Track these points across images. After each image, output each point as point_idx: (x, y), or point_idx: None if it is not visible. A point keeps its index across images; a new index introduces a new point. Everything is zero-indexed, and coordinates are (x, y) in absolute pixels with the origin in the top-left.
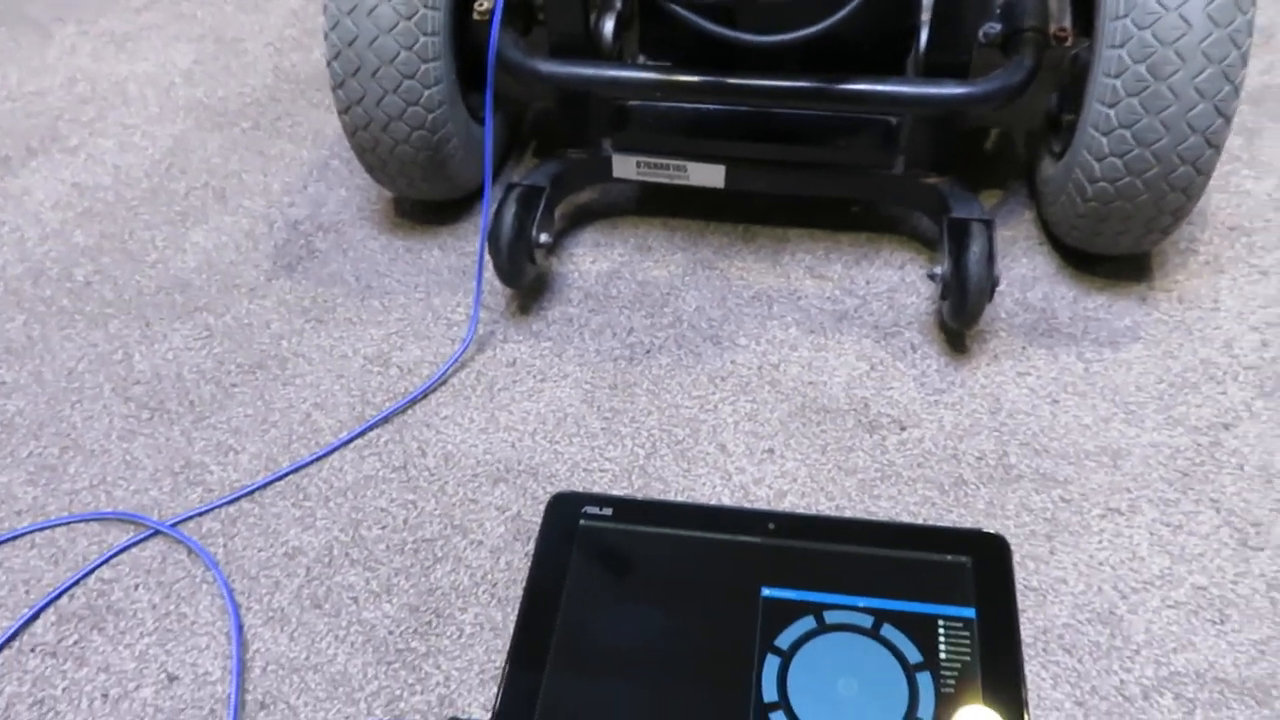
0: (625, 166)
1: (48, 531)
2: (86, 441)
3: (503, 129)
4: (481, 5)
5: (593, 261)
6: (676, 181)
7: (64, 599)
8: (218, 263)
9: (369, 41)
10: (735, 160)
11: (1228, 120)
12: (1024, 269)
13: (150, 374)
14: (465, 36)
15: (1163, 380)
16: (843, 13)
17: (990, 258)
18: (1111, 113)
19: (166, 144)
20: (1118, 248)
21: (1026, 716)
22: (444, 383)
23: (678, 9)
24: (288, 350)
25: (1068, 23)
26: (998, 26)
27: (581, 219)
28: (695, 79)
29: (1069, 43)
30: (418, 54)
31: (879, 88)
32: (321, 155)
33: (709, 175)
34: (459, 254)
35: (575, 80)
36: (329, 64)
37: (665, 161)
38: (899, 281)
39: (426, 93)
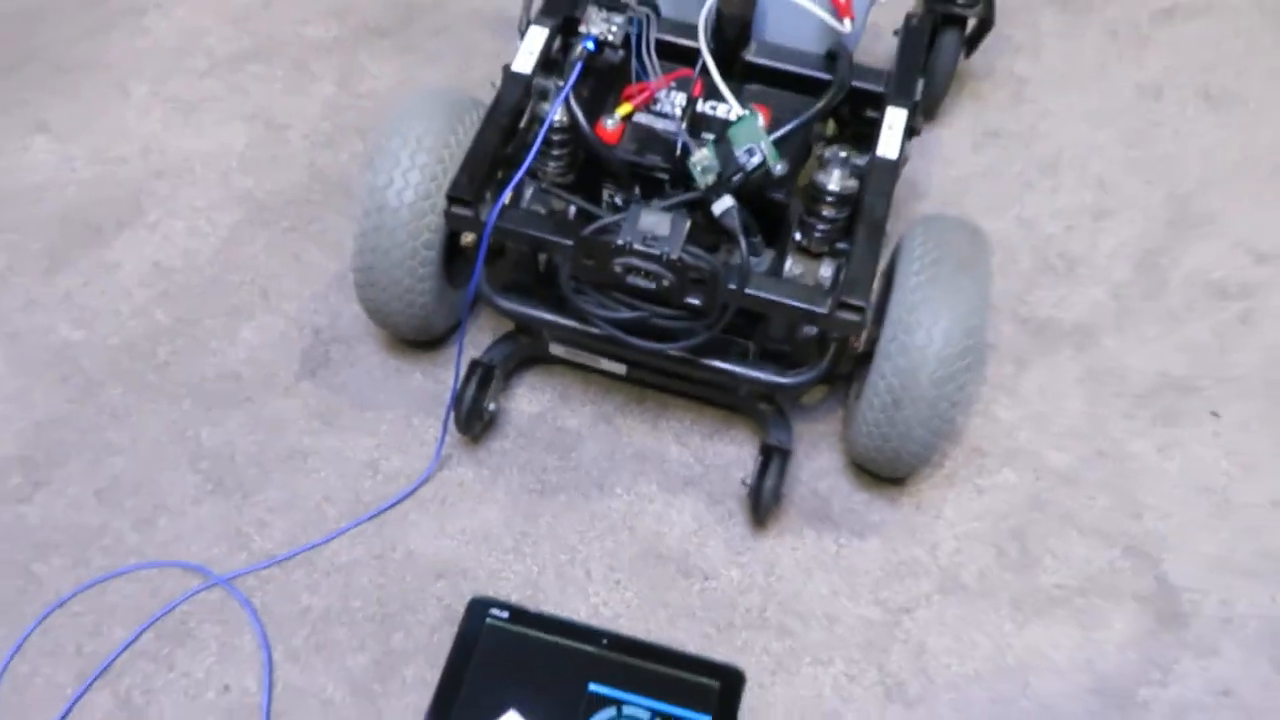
0: (559, 350)
1: (148, 570)
2: (170, 503)
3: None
4: (466, 239)
5: (528, 403)
6: (594, 365)
7: (160, 622)
8: (260, 359)
9: (387, 252)
10: (632, 363)
11: (947, 419)
12: (824, 461)
13: (213, 452)
14: (453, 247)
15: (883, 568)
16: (696, 340)
17: (778, 488)
18: (877, 400)
19: (224, 234)
20: (880, 472)
21: None
22: (413, 494)
23: (583, 306)
24: (308, 446)
25: (864, 336)
26: (814, 331)
27: (530, 360)
28: (603, 334)
29: (859, 347)
30: (419, 264)
31: (728, 368)
32: (341, 269)
33: (615, 367)
34: (435, 380)
35: (520, 316)
36: (356, 253)
37: (585, 356)
38: (735, 457)
39: (420, 285)
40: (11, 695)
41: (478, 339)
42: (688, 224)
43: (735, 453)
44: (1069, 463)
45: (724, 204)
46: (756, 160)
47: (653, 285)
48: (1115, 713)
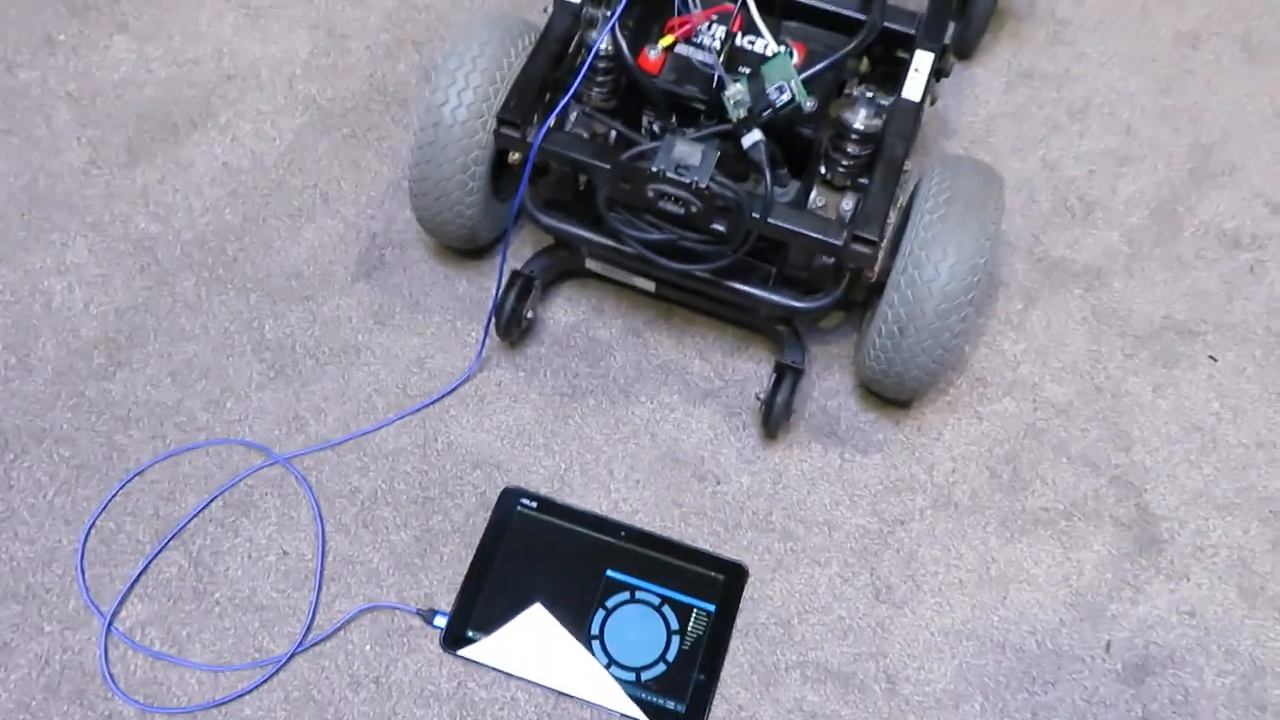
0: (594, 265)
1: (217, 446)
2: (236, 386)
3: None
4: (513, 157)
5: (564, 313)
6: (627, 281)
7: (227, 493)
8: (320, 259)
9: (440, 165)
10: (661, 281)
11: (948, 348)
12: (834, 381)
13: (275, 343)
14: (501, 163)
15: (882, 483)
16: (720, 263)
17: (788, 403)
18: (884, 328)
19: (289, 138)
20: (885, 394)
21: (721, 666)
22: (454, 391)
23: (618, 226)
24: (361, 342)
25: (878, 267)
26: (830, 261)
27: (567, 273)
28: (634, 253)
29: (873, 278)
30: (469, 178)
31: (749, 290)
32: (396, 176)
33: (645, 284)
34: (478, 288)
35: (559, 232)
36: (412, 164)
37: (618, 272)
38: (752, 373)
39: (469, 198)
40: (100, 547)
41: (520, 251)
42: (717, 155)
43: (753, 369)
44: (1066, 396)
45: (753, 138)
46: (786, 98)
47: (681, 211)
48: (1086, 624)
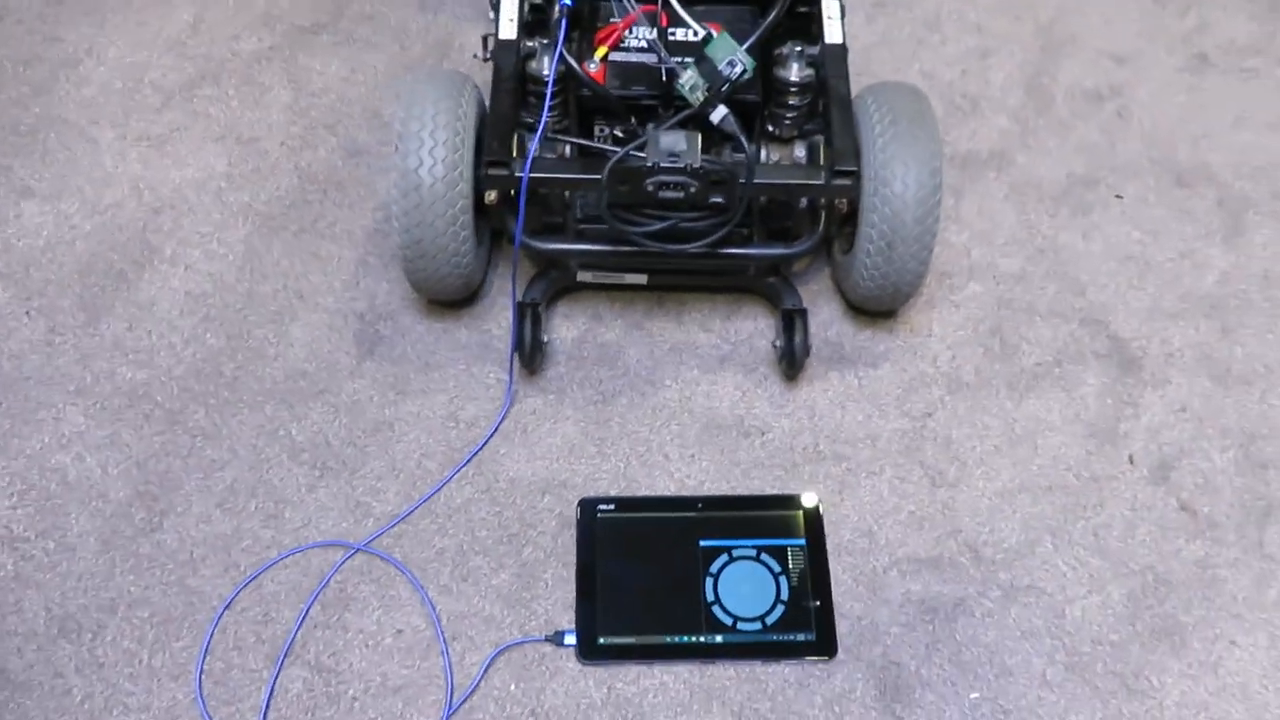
0: (586, 276)
1: (294, 556)
2: (288, 495)
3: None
4: (489, 198)
5: (567, 329)
6: (619, 282)
7: (321, 595)
8: (319, 352)
9: (430, 225)
10: (653, 271)
11: (930, 249)
12: (825, 314)
13: (308, 443)
14: (478, 207)
15: (899, 387)
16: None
17: (805, 342)
18: (871, 247)
19: (240, 250)
20: (880, 309)
21: (830, 588)
22: (497, 431)
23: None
24: (390, 417)
25: (849, 199)
26: (807, 203)
27: (560, 291)
28: (631, 250)
29: (845, 210)
30: (460, 228)
31: (746, 252)
32: (359, 254)
33: (637, 278)
34: (479, 331)
35: (558, 254)
36: (401, 232)
37: (611, 274)
38: (753, 330)
39: (463, 249)
40: (218, 689)
41: (502, 285)
42: (699, 136)
43: (753, 326)
44: (1018, 265)
45: (720, 112)
46: (739, 70)
47: (681, 195)
48: (1107, 447)
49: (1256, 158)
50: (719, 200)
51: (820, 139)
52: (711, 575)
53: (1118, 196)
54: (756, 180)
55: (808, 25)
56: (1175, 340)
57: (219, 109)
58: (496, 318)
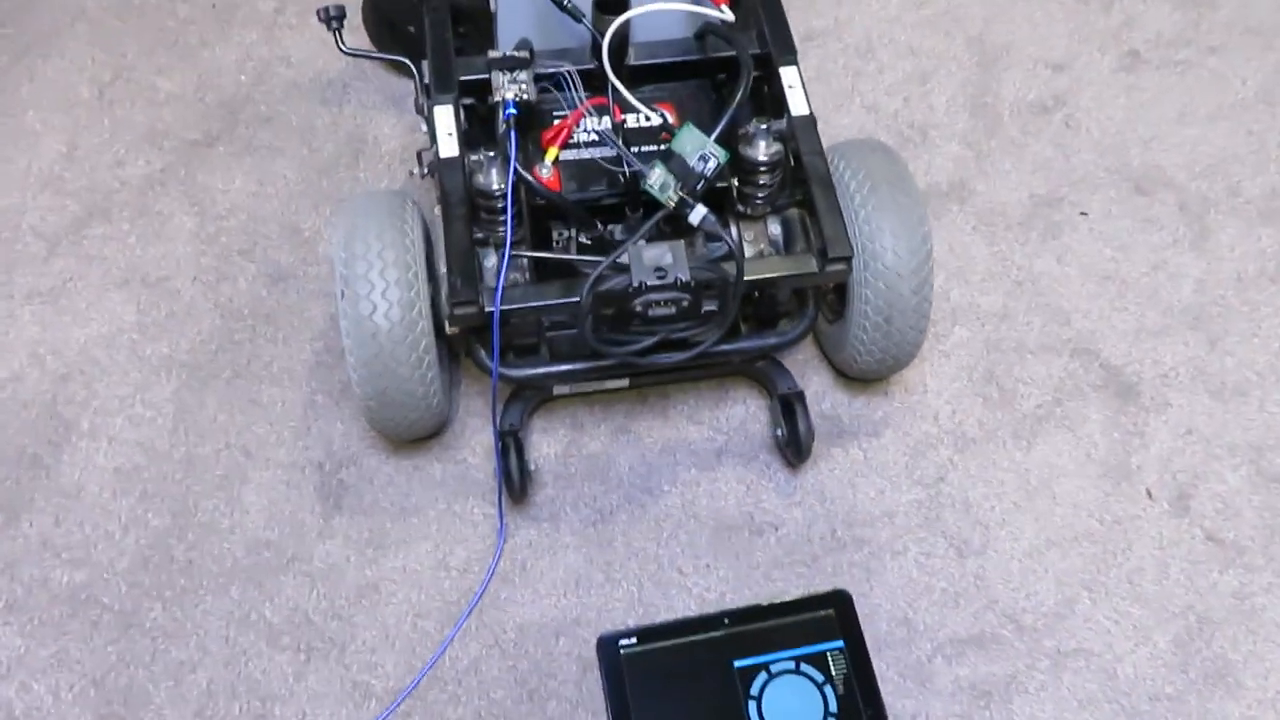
0: (563, 390)
1: None
2: (274, 689)
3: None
4: (451, 330)
5: (548, 446)
6: (599, 389)
7: None
8: (280, 515)
9: (393, 371)
10: (635, 373)
11: (928, 315)
12: (815, 385)
13: (286, 624)
14: (443, 332)
15: (905, 454)
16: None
17: (810, 427)
18: (868, 323)
19: (169, 410)
20: (879, 376)
21: (878, 689)
22: (494, 575)
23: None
24: (374, 577)
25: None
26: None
27: (532, 411)
28: (605, 365)
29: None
30: (425, 369)
31: (739, 346)
32: (305, 393)
33: (619, 383)
34: (453, 463)
35: (537, 379)
36: (362, 384)
37: (592, 384)
38: (745, 415)
39: (431, 388)
40: None
41: (470, 405)
42: (683, 244)
43: (744, 410)
44: (999, 301)
45: (699, 213)
46: (713, 164)
47: (673, 310)
48: (1124, 483)
49: (1205, 154)
50: (712, 309)
51: (795, 213)
52: (754, 698)
53: (1083, 214)
54: (747, 278)
55: (761, 91)
56: (1167, 359)
57: (115, 249)
58: (470, 444)
